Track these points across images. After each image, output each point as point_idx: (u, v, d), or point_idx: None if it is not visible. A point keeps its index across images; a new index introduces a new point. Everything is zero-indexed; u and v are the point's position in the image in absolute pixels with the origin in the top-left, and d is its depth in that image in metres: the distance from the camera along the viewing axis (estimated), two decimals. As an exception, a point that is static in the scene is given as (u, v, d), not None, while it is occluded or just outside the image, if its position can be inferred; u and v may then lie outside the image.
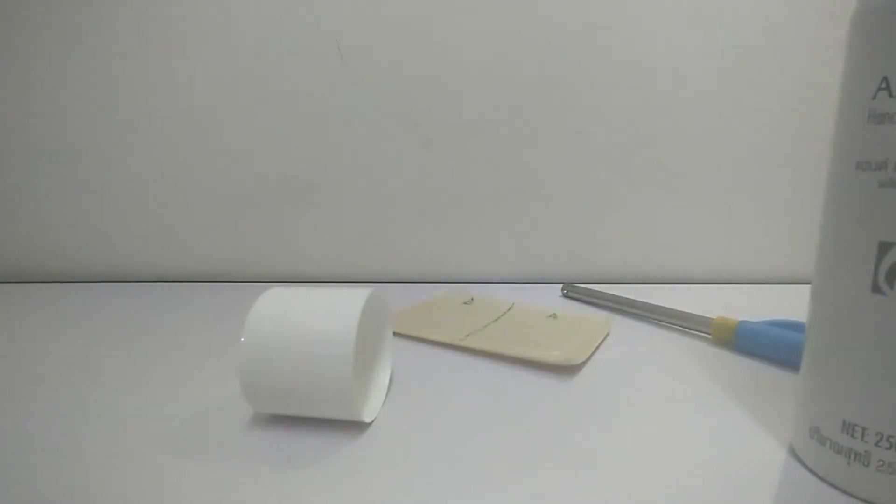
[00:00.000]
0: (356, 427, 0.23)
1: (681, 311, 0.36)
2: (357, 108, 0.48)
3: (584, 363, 0.30)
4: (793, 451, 0.21)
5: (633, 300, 0.39)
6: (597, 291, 0.42)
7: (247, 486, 0.19)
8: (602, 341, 0.33)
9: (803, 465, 0.20)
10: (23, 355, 0.32)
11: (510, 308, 0.39)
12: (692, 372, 0.29)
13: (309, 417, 0.23)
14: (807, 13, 0.45)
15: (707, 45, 0.46)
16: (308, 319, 0.22)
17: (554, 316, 0.37)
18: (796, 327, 0.30)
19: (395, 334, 0.32)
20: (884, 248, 0.17)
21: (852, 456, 0.18)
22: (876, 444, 0.17)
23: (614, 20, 0.46)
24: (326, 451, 0.21)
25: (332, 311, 0.22)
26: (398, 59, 0.47)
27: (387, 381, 0.27)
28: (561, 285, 0.46)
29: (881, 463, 0.17)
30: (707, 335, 0.34)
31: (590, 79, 0.47)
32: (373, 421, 0.24)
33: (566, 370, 0.29)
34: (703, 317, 0.34)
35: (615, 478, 0.20)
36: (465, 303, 0.41)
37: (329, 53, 0.47)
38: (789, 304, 0.40)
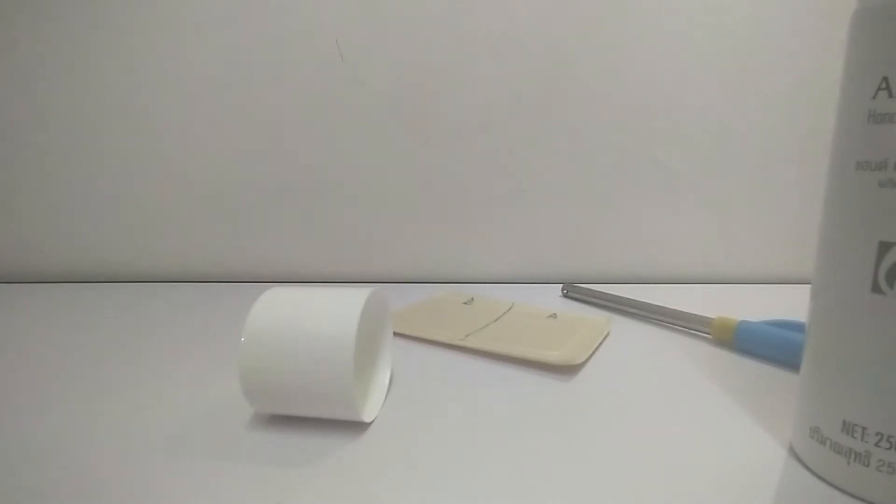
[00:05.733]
0: (356, 427, 0.23)
1: (681, 311, 0.36)
2: (357, 108, 0.48)
3: (584, 363, 0.30)
4: (793, 451, 0.21)
5: (633, 300, 0.39)
6: (597, 291, 0.42)
7: (247, 486, 0.19)
8: (602, 341, 0.33)
9: (803, 465, 0.20)
10: (22, 355, 0.32)
11: (510, 308, 0.39)
12: (692, 372, 0.29)
13: (309, 417, 0.23)
14: (807, 13, 0.45)
15: (707, 45, 0.46)
16: (308, 319, 0.22)
17: (554, 316, 0.37)
18: (796, 327, 0.30)
19: (395, 334, 0.32)
20: (884, 248, 0.17)
21: (852, 456, 0.18)
22: (876, 444, 0.17)
23: (614, 20, 0.46)
24: (326, 451, 0.21)
25: (332, 311, 0.22)
26: (398, 59, 0.47)
27: (387, 381, 0.27)
28: (561, 285, 0.46)
29: (881, 463, 0.17)
30: (707, 335, 0.34)
31: (590, 78, 0.47)
32: (373, 421, 0.24)
33: (566, 370, 0.29)
34: (703, 317, 0.34)
35: (615, 478, 0.20)
36: (465, 303, 0.41)
37: (329, 53, 0.47)
38: (789, 304, 0.40)
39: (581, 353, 0.30)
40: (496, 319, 0.37)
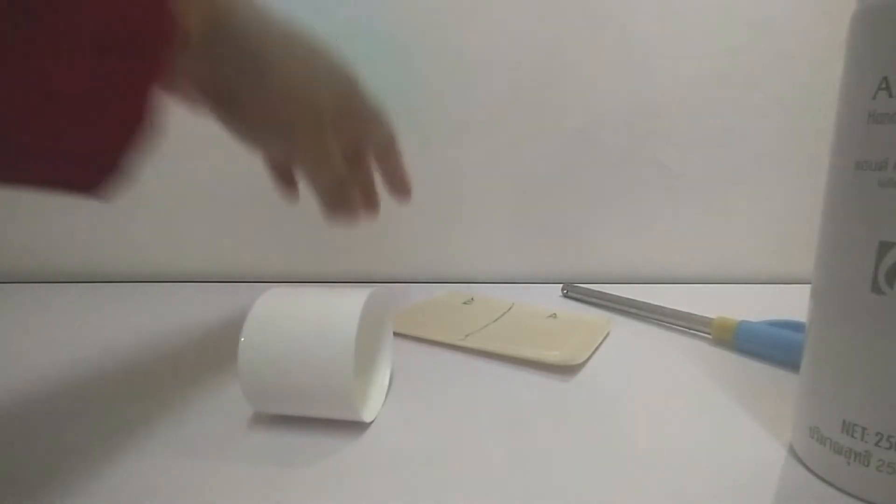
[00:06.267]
0: (356, 427, 0.23)
1: (681, 311, 0.36)
2: (357, 108, 0.48)
3: (584, 363, 0.30)
4: (793, 451, 0.21)
5: (633, 300, 0.39)
6: (597, 291, 0.42)
7: (247, 486, 0.19)
8: (602, 341, 0.33)
9: (803, 464, 0.20)
10: (23, 355, 0.32)
11: (510, 308, 0.39)
12: (692, 372, 0.29)
13: (309, 417, 0.23)
14: (807, 13, 0.45)
15: (707, 45, 0.46)
16: (308, 319, 0.22)
17: (554, 316, 0.37)
18: (796, 327, 0.30)
19: (395, 334, 0.32)
20: (884, 248, 0.17)
21: (852, 456, 0.18)
22: (876, 444, 0.17)
23: (614, 20, 0.46)
24: (326, 451, 0.21)
25: (332, 311, 0.22)
26: (397, 59, 0.47)
27: (387, 381, 0.27)
28: (561, 285, 0.46)
29: (881, 463, 0.17)
30: (707, 335, 0.34)
31: (590, 78, 0.47)
32: (373, 421, 0.24)
33: (566, 370, 0.29)
34: (703, 317, 0.34)
35: (615, 477, 0.20)
36: (465, 303, 0.41)
37: (329, 53, 0.47)
38: (789, 304, 0.39)
39: (581, 353, 0.30)
40: (496, 320, 0.37)
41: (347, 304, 0.22)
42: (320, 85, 0.27)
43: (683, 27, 0.46)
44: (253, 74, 0.24)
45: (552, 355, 0.29)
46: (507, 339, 0.33)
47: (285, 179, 0.34)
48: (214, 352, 0.32)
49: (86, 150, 0.18)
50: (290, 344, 0.22)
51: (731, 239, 0.50)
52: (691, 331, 0.35)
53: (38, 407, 0.25)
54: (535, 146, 0.49)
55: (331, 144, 0.28)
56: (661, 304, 0.37)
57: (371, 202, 0.35)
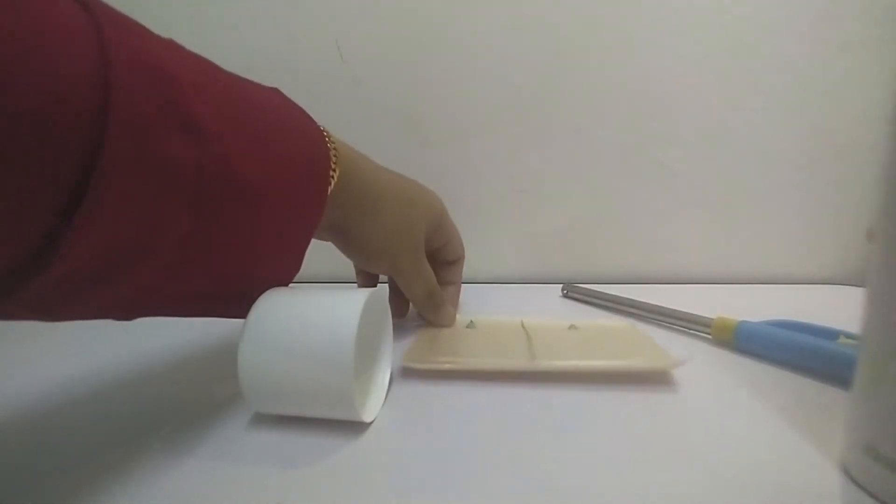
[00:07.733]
0: (356, 427, 0.23)
1: (681, 311, 0.36)
2: (357, 108, 0.48)
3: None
4: (846, 470, 0.19)
5: (633, 300, 0.39)
6: (597, 291, 0.42)
7: (247, 486, 0.19)
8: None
9: (857, 484, 0.19)
10: (22, 355, 0.32)
11: (523, 324, 0.36)
12: (692, 372, 0.29)
13: (309, 417, 0.23)
14: (807, 13, 0.45)
15: (707, 45, 0.46)
16: (308, 319, 0.22)
17: (574, 327, 0.35)
18: (796, 327, 0.30)
19: (410, 370, 0.29)
20: None
21: None
22: None
23: (615, 20, 0.46)
24: (326, 451, 0.21)
25: (332, 312, 0.22)
26: (398, 59, 0.47)
27: (387, 381, 0.26)
28: (561, 285, 0.46)
29: None
30: (707, 335, 0.34)
31: (590, 79, 0.47)
32: (373, 421, 0.24)
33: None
34: (704, 317, 0.34)
35: (613, 477, 0.20)
36: (468, 327, 0.37)
37: (329, 53, 0.47)
38: (789, 304, 0.40)
39: (665, 356, 0.28)
40: (531, 337, 0.33)
41: (347, 304, 0.22)
42: (420, 217, 0.34)
43: (683, 27, 0.46)
44: (371, 216, 0.30)
45: (650, 363, 0.28)
46: (577, 354, 0.30)
47: (370, 284, 0.40)
48: (214, 352, 0.32)
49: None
50: (291, 344, 0.22)
51: (731, 239, 0.50)
52: (691, 331, 0.35)
53: (37, 407, 0.25)
54: (536, 146, 0.49)
55: (425, 264, 0.34)
56: (662, 304, 0.37)
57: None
